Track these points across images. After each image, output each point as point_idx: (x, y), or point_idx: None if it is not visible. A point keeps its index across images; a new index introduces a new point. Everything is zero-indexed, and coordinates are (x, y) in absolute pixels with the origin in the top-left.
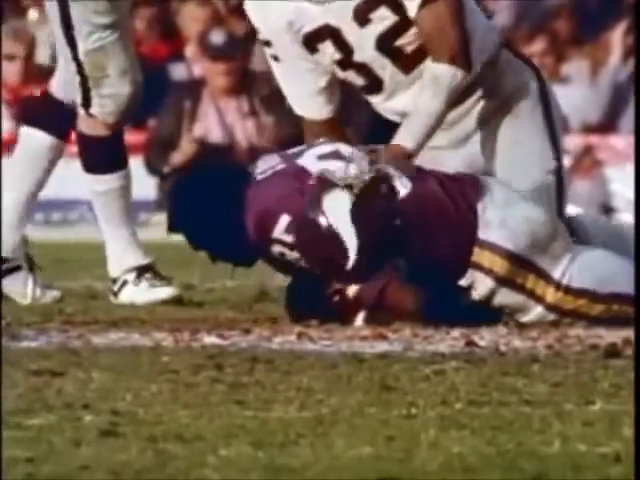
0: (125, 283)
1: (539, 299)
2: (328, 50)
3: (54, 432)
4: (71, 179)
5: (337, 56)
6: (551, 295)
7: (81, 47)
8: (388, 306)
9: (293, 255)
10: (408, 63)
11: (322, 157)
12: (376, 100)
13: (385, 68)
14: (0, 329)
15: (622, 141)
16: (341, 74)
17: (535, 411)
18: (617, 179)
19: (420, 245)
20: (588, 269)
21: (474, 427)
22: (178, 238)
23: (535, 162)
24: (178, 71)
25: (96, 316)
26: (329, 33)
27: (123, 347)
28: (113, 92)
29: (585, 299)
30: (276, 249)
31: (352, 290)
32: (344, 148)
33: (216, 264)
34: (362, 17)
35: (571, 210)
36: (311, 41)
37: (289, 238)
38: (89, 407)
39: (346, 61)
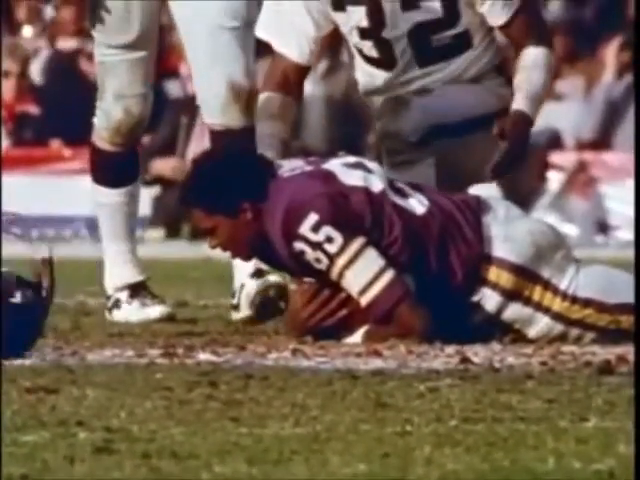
0: (118, 302)
1: (546, 310)
2: (356, 15)
3: (48, 449)
4: (65, 196)
5: (364, 24)
6: (557, 305)
7: (95, 53)
8: (396, 323)
9: (313, 255)
10: (428, 58)
11: (347, 165)
12: (379, 74)
13: (404, 54)
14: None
15: (617, 158)
16: (355, 40)
17: (529, 428)
18: (612, 196)
19: (437, 262)
20: (593, 279)
21: (469, 444)
22: (172, 254)
23: None
24: (173, 88)
25: (90, 333)
26: (371, 2)
27: (117, 364)
28: (105, 109)
29: (591, 309)
30: (298, 246)
31: (366, 299)
32: (367, 162)
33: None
34: (411, 2)
35: (569, 229)
36: (346, 1)
37: (314, 237)
38: (83, 424)
39: (371, 33)
